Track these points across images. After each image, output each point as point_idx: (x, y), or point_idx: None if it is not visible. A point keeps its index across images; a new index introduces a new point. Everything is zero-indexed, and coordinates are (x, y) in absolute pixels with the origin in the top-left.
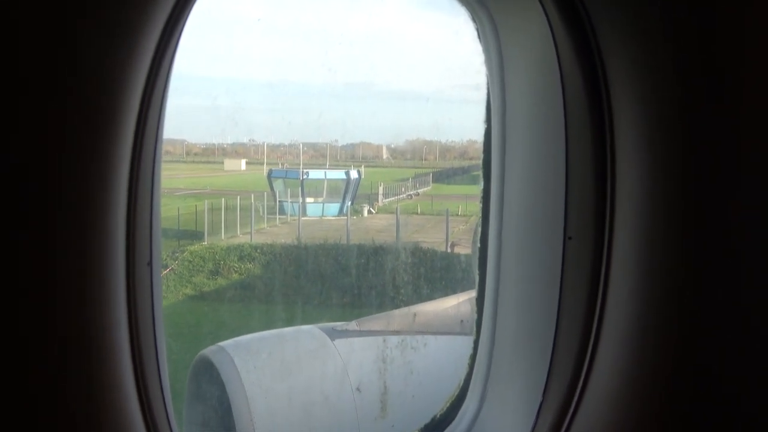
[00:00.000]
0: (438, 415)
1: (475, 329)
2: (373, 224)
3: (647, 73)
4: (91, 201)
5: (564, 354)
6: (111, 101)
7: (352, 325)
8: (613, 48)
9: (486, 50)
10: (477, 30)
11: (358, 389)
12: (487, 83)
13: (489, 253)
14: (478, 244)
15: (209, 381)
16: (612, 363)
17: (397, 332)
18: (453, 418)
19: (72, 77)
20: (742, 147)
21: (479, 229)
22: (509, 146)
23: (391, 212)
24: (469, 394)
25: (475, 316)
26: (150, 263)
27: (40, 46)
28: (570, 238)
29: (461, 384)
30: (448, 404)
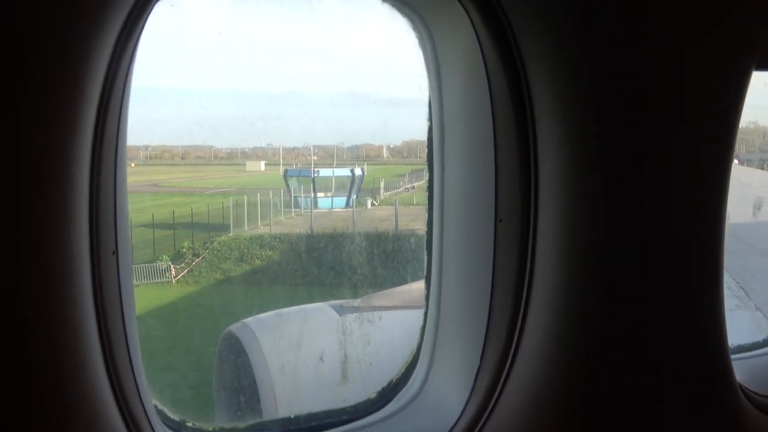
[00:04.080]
0: (394, 379)
1: (425, 303)
2: (376, 215)
3: (564, 75)
4: (51, 191)
5: (498, 322)
6: (70, 89)
7: (358, 302)
8: (532, 54)
9: (425, 57)
10: (417, 38)
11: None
12: (428, 86)
13: (433, 236)
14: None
15: (235, 353)
16: (540, 327)
17: (395, 307)
18: (407, 381)
19: (32, 62)
20: (649, 143)
21: None
22: (447, 141)
23: (391, 204)
24: (420, 359)
25: (425, 291)
26: (116, 252)
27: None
28: (500, 220)
29: (414, 351)
30: (403, 369)
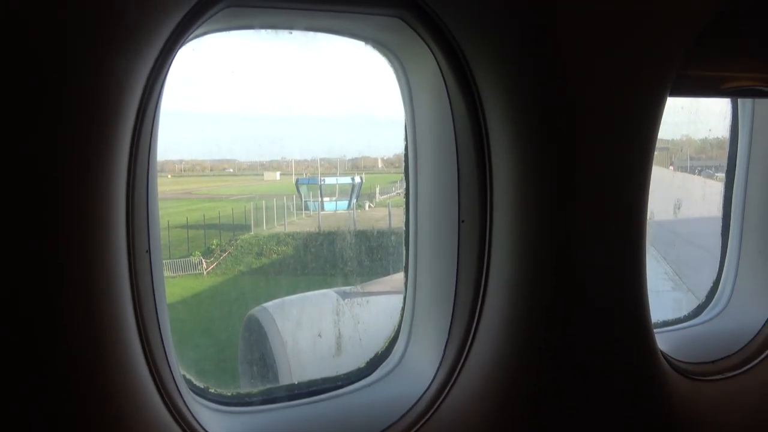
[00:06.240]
0: (379, 352)
1: (404, 288)
2: (373, 215)
3: (511, 98)
4: (93, 200)
5: (462, 304)
6: (110, 103)
7: (358, 289)
8: (484, 82)
9: (401, 88)
10: (394, 73)
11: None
12: (404, 110)
13: (410, 234)
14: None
15: (256, 332)
16: (496, 307)
17: (389, 292)
18: (390, 353)
19: (79, 76)
20: (582, 155)
21: None
22: (420, 155)
23: (385, 206)
24: (400, 335)
25: (404, 279)
26: (149, 251)
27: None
28: (463, 221)
29: (395, 328)
30: (387, 343)
